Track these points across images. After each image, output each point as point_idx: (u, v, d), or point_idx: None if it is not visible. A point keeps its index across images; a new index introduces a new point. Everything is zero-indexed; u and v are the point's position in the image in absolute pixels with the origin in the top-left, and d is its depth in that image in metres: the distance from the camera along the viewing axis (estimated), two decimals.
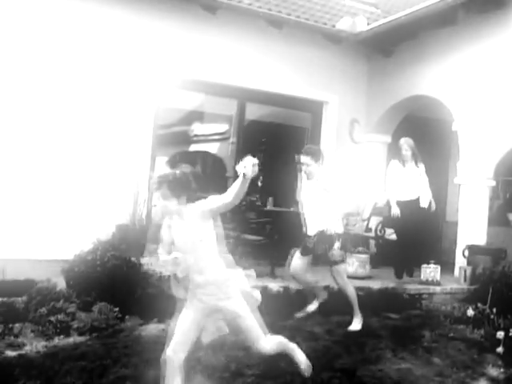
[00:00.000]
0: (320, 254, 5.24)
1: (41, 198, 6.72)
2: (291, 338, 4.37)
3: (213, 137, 10.57)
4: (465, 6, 7.14)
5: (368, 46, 8.85)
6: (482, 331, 5.31)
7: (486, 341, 5.09)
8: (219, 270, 3.31)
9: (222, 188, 3.33)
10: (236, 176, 3.04)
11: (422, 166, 7.01)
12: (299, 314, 5.41)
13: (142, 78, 7.40)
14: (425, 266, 6.88)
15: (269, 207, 8.08)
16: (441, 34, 7.78)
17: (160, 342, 3.40)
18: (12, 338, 4.45)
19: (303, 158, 5.21)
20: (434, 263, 6.89)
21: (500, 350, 4.80)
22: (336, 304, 5.54)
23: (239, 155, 8.55)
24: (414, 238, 6.81)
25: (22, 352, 4.17)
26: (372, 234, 8.08)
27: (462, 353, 4.85)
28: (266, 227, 7.70)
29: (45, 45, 6.83)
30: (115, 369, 3.95)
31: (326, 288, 5.72)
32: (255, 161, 3.01)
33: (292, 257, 5.47)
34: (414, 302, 6.35)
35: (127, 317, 5.00)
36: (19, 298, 4.97)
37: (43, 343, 4.37)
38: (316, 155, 5.24)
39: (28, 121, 6.77)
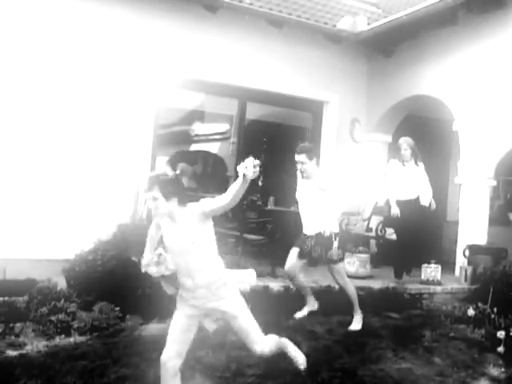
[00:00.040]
0: (317, 256, 5.22)
1: (42, 198, 6.72)
2: (292, 338, 4.38)
3: (213, 136, 10.58)
4: (465, 6, 7.15)
5: (369, 46, 8.85)
6: (483, 331, 5.31)
7: (487, 340, 5.09)
8: (211, 272, 3.24)
9: (222, 188, 3.33)
10: (237, 176, 3.03)
11: (421, 165, 7.00)
12: (298, 315, 5.38)
13: (143, 78, 7.40)
14: (425, 265, 6.88)
15: (270, 207, 8.08)
16: (441, 33, 7.78)
17: (161, 342, 3.40)
18: (13, 337, 4.45)
19: (298, 157, 5.17)
20: (435, 263, 6.89)
21: (501, 349, 4.80)
22: (337, 304, 5.53)
23: (240, 155, 8.56)
24: (414, 238, 6.81)
25: (23, 351, 4.17)
26: (373, 234, 8.07)
27: (463, 352, 4.85)
28: (266, 227, 7.70)
29: (45, 45, 6.84)
30: (116, 368, 3.96)
31: (327, 288, 5.73)
32: (256, 162, 2.99)
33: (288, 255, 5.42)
34: (415, 301, 6.35)
35: (128, 316, 4.99)
36: (20, 298, 4.96)
37: (44, 343, 4.37)
38: (310, 153, 5.21)
39: (29, 121, 6.78)
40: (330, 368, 4.26)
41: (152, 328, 4.81)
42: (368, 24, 8.45)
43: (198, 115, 10.11)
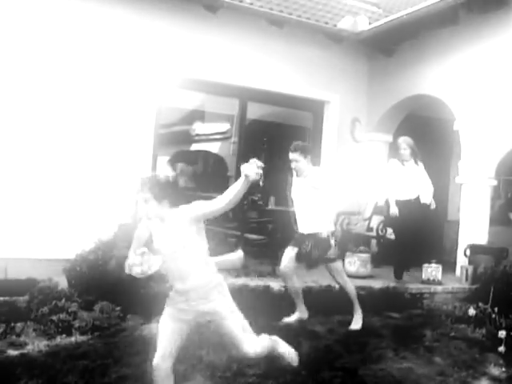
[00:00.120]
0: (317, 257, 5.19)
1: (43, 198, 6.72)
2: (293, 338, 4.39)
3: (214, 136, 10.60)
4: (466, 5, 7.15)
5: (369, 46, 8.85)
6: (484, 330, 5.31)
7: (488, 340, 5.09)
8: (203, 276, 3.18)
9: (222, 187, 3.32)
10: (237, 176, 3.02)
11: (421, 164, 6.95)
12: (286, 320, 5.25)
13: (144, 78, 7.40)
14: (426, 265, 6.87)
15: (270, 206, 8.09)
16: (442, 33, 7.78)
17: None
18: (14, 337, 4.45)
19: (291, 155, 5.15)
20: (436, 262, 6.89)
21: (501, 349, 4.79)
22: (337, 303, 5.53)
23: (241, 155, 8.57)
24: (413, 238, 6.72)
25: (24, 351, 4.18)
26: (373, 234, 8.08)
27: (464, 352, 4.85)
28: (267, 226, 7.71)
29: (46, 45, 6.83)
30: (117, 368, 3.96)
31: (329, 287, 5.72)
32: (260, 163, 2.98)
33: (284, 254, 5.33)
34: (416, 301, 6.35)
35: (129, 316, 5.00)
36: (21, 297, 4.97)
37: (45, 342, 4.38)
38: (304, 151, 5.17)
39: (30, 121, 6.78)
40: (330, 367, 4.27)
41: (153, 328, 4.79)
42: (369, 24, 8.45)
43: (199, 115, 10.13)
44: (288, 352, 3.63)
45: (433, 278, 6.79)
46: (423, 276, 6.84)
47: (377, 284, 6.43)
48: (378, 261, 7.56)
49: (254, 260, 7.07)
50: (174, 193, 3.23)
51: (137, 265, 3.14)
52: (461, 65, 7.64)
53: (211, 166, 10.77)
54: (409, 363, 4.53)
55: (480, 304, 5.74)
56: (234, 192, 3.03)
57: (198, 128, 10.69)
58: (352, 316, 5.33)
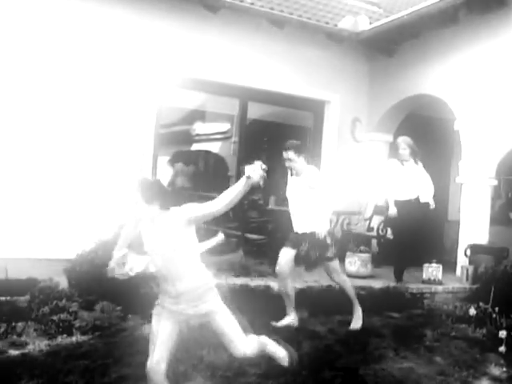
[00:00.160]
0: (316, 259, 5.16)
1: (43, 198, 6.73)
2: (293, 337, 4.39)
3: (215, 136, 10.60)
4: (467, 5, 7.15)
5: (370, 46, 8.85)
6: (484, 330, 5.31)
7: (488, 340, 5.09)
8: (194, 279, 3.16)
9: (223, 187, 3.31)
10: (238, 175, 3.03)
11: (421, 164, 6.92)
12: (276, 323, 5.13)
13: (144, 78, 7.41)
14: (427, 265, 6.87)
15: (271, 206, 8.08)
16: (443, 33, 7.78)
17: None
18: (15, 336, 4.45)
19: (285, 154, 5.11)
20: (436, 262, 6.88)
21: (502, 349, 4.80)
22: (338, 303, 5.53)
23: (241, 154, 8.57)
24: (412, 239, 6.68)
25: (25, 351, 4.18)
26: (374, 234, 8.08)
27: (464, 352, 4.85)
28: (267, 226, 7.71)
29: (46, 45, 6.84)
30: (117, 368, 3.97)
31: (329, 287, 5.71)
32: (265, 166, 2.96)
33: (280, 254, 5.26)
34: (416, 301, 6.35)
35: (129, 316, 5.00)
36: (22, 297, 4.96)
37: (46, 342, 4.38)
38: (298, 150, 5.12)
39: (31, 121, 6.79)
40: (331, 367, 4.27)
41: None
42: (370, 23, 8.45)
43: (200, 115, 10.12)
44: (278, 352, 3.57)
45: (433, 278, 6.79)
46: (424, 276, 6.84)
47: (377, 284, 6.43)
48: (378, 261, 7.55)
49: (255, 260, 7.07)
50: (163, 195, 3.20)
51: (118, 266, 3.12)
52: (461, 65, 7.64)
53: (212, 165, 10.78)
54: (409, 363, 4.53)
55: (481, 304, 5.74)
56: (234, 193, 3.01)
57: (199, 128, 10.69)
58: (352, 316, 5.33)
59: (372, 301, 5.85)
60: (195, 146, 11.09)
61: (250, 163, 2.99)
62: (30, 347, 4.26)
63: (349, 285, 5.33)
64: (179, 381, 3.79)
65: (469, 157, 7.56)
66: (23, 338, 4.43)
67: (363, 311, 5.35)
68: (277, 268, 5.19)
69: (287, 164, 5.15)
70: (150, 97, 7.50)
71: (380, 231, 7.90)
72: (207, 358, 4.13)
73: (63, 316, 4.67)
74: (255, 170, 2.94)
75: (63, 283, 5.26)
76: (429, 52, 8.07)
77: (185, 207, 3.13)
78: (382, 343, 4.93)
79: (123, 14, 7.27)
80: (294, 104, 8.84)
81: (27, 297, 4.95)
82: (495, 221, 7.89)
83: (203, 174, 10.32)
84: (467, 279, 6.95)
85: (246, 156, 8.54)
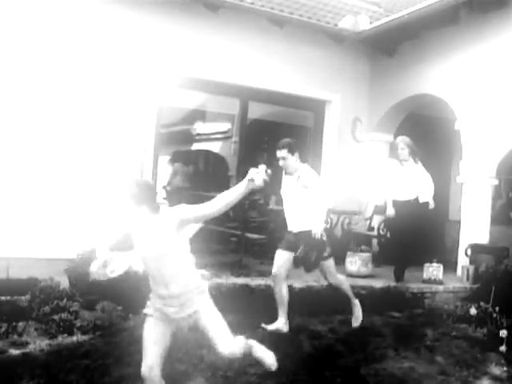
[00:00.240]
0: (314, 260, 5.10)
1: (44, 197, 6.73)
2: (293, 337, 4.39)
3: (215, 136, 10.61)
4: (467, 5, 7.15)
5: (370, 45, 8.85)
6: (485, 330, 5.31)
7: (489, 339, 5.09)
8: (186, 282, 3.14)
9: (223, 187, 3.30)
10: (238, 175, 3.03)
11: (420, 163, 6.88)
12: (266, 326, 4.98)
13: (145, 77, 7.40)
14: (427, 264, 6.87)
15: (271, 206, 8.08)
16: (443, 33, 7.77)
17: None
18: (16, 336, 4.45)
19: (279, 152, 5.07)
20: (437, 262, 6.88)
21: (503, 348, 4.81)
22: (338, 303, 5.53)
23: (242, 154, 8.57)
24: (412, 239, 6.65)
25: (26, 350, 4.18)
26: (374, 233, 8.08)
27: (465, 351, 4.85)
28: (268, 226, 7.71)
29: (47, 45, 6.84)
30: (118, 367, 3.97)
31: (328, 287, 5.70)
32: (270, 171, 2.95)
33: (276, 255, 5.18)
34: (417, 300, 6.35)
35: (130, 315, 5.00)
36: (22, 297, 4.96)
37: (47, 342, 4.38)
38: (292, 148, 5.08)
39: (32, 121, 6.79)
40: (332, 367, 4.27)
41: None
42: (370, 23, 8.45)
43: (200, 114, 10.13)
44: (266, 356, 3.50)
45: (434, 278, 6.79)
46: (424, 275, 6.84)
47: (378, 283, 6.43)
48: (379, 260, 7.56)
49: (255, 260, 7.07)
50: (152, 196, 3.16)
51: (100, 267, 3.11)
52: (462, 64, 7.64)
53: (212, 165, 10.79)
54: (410, 362, 4.54)
55: (481, 303, 5.74)
56: (233, 195, 2.99)
57: (199, 127, 10.70)
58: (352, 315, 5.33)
59: (373, 300, 5.85)
60: (196, 146, 11.11)
61: (255, 166, 2.97)
62: (31, 347, 4.26)
63: (345, 284, 5.31)
64: (179, 381, 3.80)
65: (469, 156, 7.55)
66: (24, 338, 4.43)
67: (363, 311, 5.35)
68: (272, 271, 5.12)
69: (281, 163, 5.12)
70: (150, 96, 7.49)
71: (380, 231, 7.91)
72: (207, 358, 4.13)
73: (64, 315, 4.67)
74: (259, 174, 2.93)
75: (64, 283, 5.26)
76: (429, 52, 8.07)
77: (176, 209, 3.10)
78: (382, 343, 4.93)
79: (124, 14, 7.26)
80: (295, 104, 8.84)
81: (28, 296, 4.95)
82: (496, 220, 7.89)
83: (203, 174, 10.33)
84: (468, 279, 6.95)
85: (246, 156, 8.55)
